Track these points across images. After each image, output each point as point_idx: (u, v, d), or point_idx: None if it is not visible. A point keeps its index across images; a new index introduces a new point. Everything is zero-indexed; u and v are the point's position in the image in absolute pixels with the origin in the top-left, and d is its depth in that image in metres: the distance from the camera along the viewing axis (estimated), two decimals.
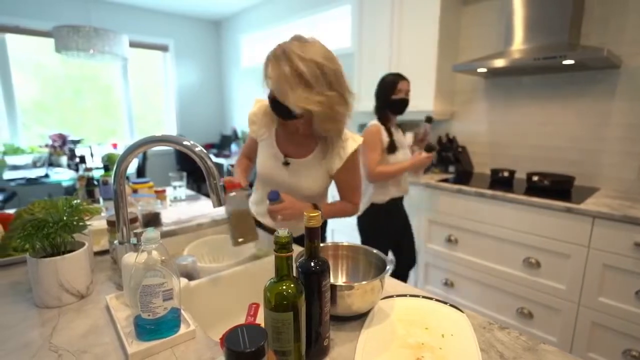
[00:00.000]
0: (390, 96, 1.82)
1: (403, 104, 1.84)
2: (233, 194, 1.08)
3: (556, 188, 1.88)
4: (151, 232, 0.61)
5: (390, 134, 1.84)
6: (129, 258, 0.70)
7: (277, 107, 1.08)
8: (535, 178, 1.95)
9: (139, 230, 0.71)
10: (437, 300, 0.80)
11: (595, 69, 1.93)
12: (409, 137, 2.32)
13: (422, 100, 2.41)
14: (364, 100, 2.84)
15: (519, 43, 1.97)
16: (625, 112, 1.87)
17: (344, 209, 1.27)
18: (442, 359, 0.60)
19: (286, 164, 1.21)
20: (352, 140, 1.16)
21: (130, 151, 0.78)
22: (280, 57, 1.01)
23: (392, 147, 1.82)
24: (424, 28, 2.33)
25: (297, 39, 1.04)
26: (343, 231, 2.88)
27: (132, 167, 3.63)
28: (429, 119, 2.00)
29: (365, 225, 1.94)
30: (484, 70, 2.09)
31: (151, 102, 4.87)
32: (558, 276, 1.70)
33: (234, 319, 0.92)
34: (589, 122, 1.99)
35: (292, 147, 1.22)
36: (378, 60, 2.67)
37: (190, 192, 1.81)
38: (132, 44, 4.27)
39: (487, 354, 0.62)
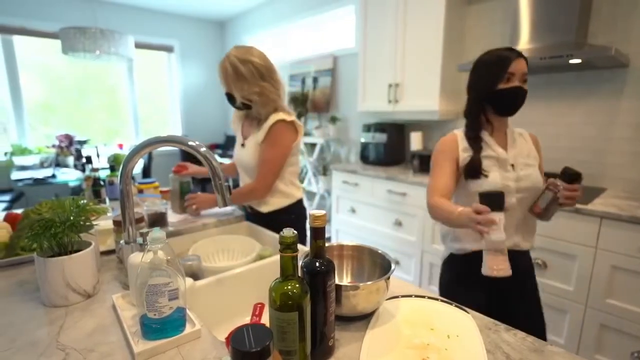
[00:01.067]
0: (496, 85, 1.06)
1: (516, 97, 1.06)
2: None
3: None
4: (157, 232, 0.62)
5: (477, 149, 1.11)
6: (135, 258, 0.71)
7: (230, 100, 1.42)
8: None
9: (145, 230, 0.71)
10: (442, 300, 0.80)
11: (603, 68, 1.91)
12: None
13: (427, 100, 2.40)
14: (368, 100, 2.84)
15: (525, 42, 1.95)
16: (633, 111, 1.85)
17: (245, 190, 1.41)
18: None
19: (243, 145, 1.47)
20: (276, 115, 1.36)
21: (137, 151, 0.78)
22: (225, 61, 1.35)
23: (472, 170, 1.10)
24: (429, 27, 2.32)
25: (236, 47, 1.38)
26: (347, 231, 2.88)
27: (138, 167, 3.65)
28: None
29: (441, 281, 1.38)
30: None
31: (156, 102, 4.90)
32: (565, 277, 1.68)
33: (239, 319, 0.92)
34: (596, 122, 1.97)
35: (247, 130, 1.49)
36: (382, 60, 2.66)
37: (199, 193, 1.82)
38: (138, 45, 4.29)
39: (493, 355, 0.62)
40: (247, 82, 1.34)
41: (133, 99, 4.58)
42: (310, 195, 3.76)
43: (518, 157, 1.13)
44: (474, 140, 1.13)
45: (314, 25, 3.77)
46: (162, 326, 0.62)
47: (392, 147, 2.79)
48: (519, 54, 1.07)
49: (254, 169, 1.42)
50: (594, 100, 1.97)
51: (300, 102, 3.68)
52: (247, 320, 0.69)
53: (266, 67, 1.37)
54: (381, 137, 2.78)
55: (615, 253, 1.52)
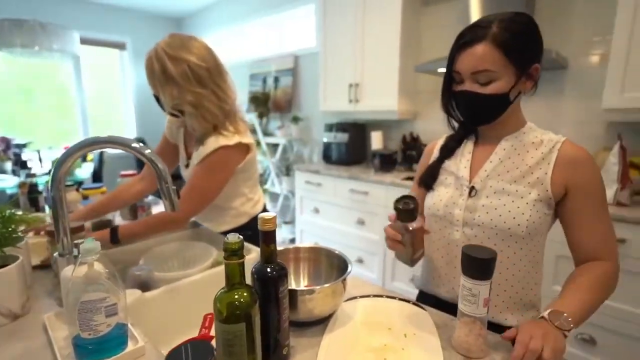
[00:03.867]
0: (450, 85, 0.84)
1: (466, 104, 0.80)
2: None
3: None
4: (90, 242, 0.56)
5: (442, 157, 0.92)
6: (68, 272, 0.64)
7: (160, 104, 1.13)
8: None
9: (79, 241, 0.65)
10: (400, 299, 0.80)
11: (546, 69, 2.03)
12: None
13: (386, 100, 2.44)
14: (329, 100, 2.84)
15: None
16: (573, 110, 1.98)
17: (165, 221, 1.06)
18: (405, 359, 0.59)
19: (187, 165, 1.22)
20: (215, 140, 1.09)
21: (70, 154, 0.72)
22: (152, 54, 1.04)
23: (423, 179, 0.93)
24: (386, 28, 2.36)
25: (171, 36, 1.06)
26: (311, 232, 2.86)
27: (87, 172, 3.41)
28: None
29: None
30: (444, 70, 2.14)
31: (109, 103, 4.62)
32: None
33: (192, 331, 0.87)
34: (541, 120, 2.08)
35: (190, 147, 1.23)
36: (343, 60, 2.67)
37: (149, 196, 1.72)
38: (84, 41, 4.02)
39: (448, 352, 0.62)
40: (177, 86, 1.03)
41: (82, 99, 4.28)
42: (274, 196, 3.71)
43: (494, 179, 0.80)
44: (449, 146, 0.91)
45: (274, 24, 3.72)
46: (98, 346, 0.56)
47: (354, 147, 2.81)
48: (465, 43, 0.76)
49: None
50: (539, 100, 2.09)
51: (262, 102, 3.62)
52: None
53: (207, 68, 1.06)
54: (343, 137, 2.79)
55: (559, 242, 1.62)
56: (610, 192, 1.56)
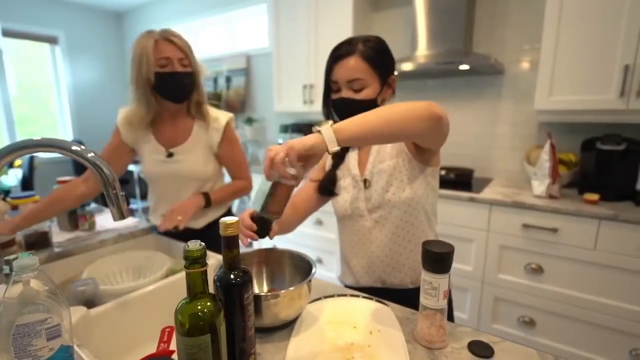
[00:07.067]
0: (330, 93, 0.94)
1: (346, 110, 0.87)
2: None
3: (460, 180, 2.08)
4: (25, 258, 0.50)
5: (336, 162, 1.01)
6: None
7: (170, 86, 1.16)
8: (443, 172, 2.14)
9: (11, 257, 0.57)
10: (363, 297, 0.81)
11: (486, 74, 2.19)
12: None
13: None
14: (284, 101, 2.82)
15: (423, 49, 2.14)
16: (509, 112, 2.16)
17: (237, 188, 1.35)
18: (371, 357, 0.60)
19: (170, 155, 1.22)
20: (223, 115, 1.29)
21: None
22: (166, 35, 1.14)
23: (323, 186, 1.02)
24: (339, 31, 2.39)
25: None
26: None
27: (15, 179, 3.07)
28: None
29: None
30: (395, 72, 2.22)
31: (40, 102, 4.19)
32: (465, 259, 1.89)
33: (150, 347, 0.82)
34: (483, 121, 2.26)
35: (171, 135, 1.24)
36: (296, 61, 2.67)
37: (93, 204, 1.58)
38: (7, 33, 3.63)
39: (412, 344, 0.64)
40: (191, 55, 1.20)
41: (5, 98, 3.83)
42: None
43: (377, 166, 0.92)
44: (340, 153, 0.90)
45: (225, 23, 3.62)
46: None
47: None
48: (339, 56, 0.86)
49: (197, 179, 1.26)
50: (480, 102, 2.25)
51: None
52: (155, 348, 0.61)
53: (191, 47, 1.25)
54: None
55: (502, 234, 1.75)
56: (542, 187, 1.72)
